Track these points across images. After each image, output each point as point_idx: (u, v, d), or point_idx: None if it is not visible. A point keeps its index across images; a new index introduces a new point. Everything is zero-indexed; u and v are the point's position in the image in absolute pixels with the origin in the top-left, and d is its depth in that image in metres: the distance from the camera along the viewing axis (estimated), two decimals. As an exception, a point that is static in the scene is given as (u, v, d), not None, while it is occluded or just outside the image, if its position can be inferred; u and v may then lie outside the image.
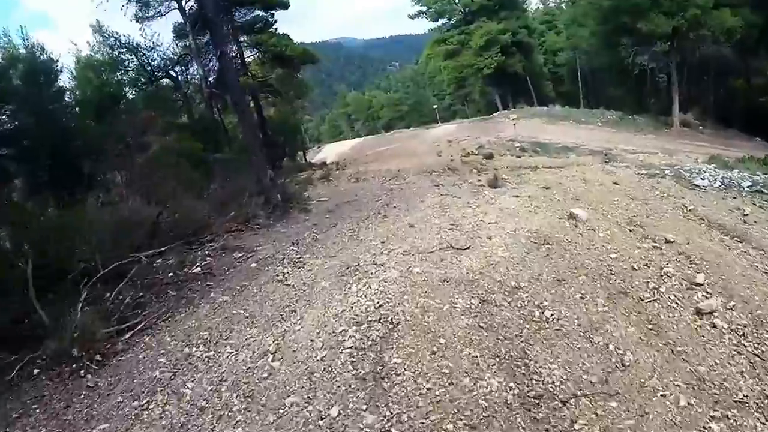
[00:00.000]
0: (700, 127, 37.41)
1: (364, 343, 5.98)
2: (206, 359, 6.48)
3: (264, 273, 9.64)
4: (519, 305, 6.69)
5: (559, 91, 55.52)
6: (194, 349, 6.77)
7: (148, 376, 6.37)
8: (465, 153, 23.83)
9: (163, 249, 12.48)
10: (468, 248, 9.19)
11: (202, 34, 26.79)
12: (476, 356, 5.53)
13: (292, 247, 11.07)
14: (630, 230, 11.03)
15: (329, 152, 40.89)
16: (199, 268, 10.80)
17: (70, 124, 25.72)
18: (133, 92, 27.68)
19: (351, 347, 5.97)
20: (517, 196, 15.12)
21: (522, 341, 5.82)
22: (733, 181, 17.55)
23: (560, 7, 66.22)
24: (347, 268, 8.77)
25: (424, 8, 41.90)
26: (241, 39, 27.21)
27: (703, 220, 12.63)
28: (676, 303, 6.98)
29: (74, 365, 6.94)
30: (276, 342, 6.47)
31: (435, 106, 48.92)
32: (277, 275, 9.31)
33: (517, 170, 20.03)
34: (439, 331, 6.09)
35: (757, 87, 37.39)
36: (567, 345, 5.74)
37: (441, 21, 42.55)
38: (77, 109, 27.11)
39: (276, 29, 27.51)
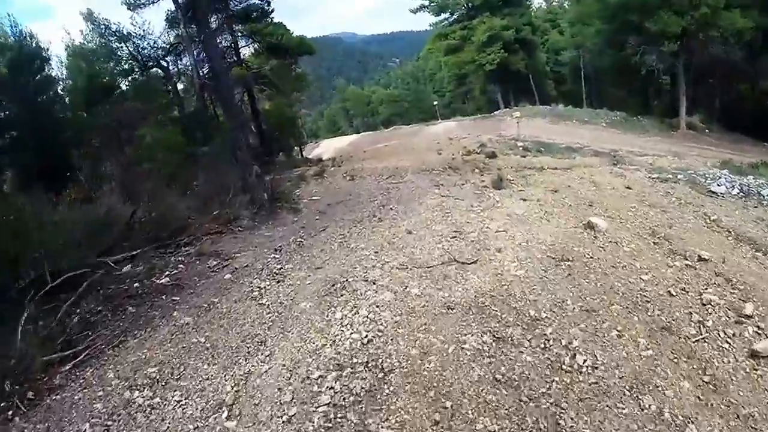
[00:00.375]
0: (706, 131, 36.05)
1: (345, 399, 4.63)
2: (148, 409, 5.12)
3: (238, 287, 8.25)
4: (543, 345, 5.33)
5: (561, 91, 54.10)
6: (137, 393, 5.41)
7: (77, 430, 4.95)
8: (466, 151, 22.41)
9: (134, 253, 11.13)
10: (475, 262, 7.83)
11: (195, 23, 25.30)
12: (494, 430, 4.12)
13: (273, 255, 9.68)
14: (655, 243, 9.70)
15: (327, 148, 39.42)
16: (167, 278, 9.41)
17: (57, 114, 24.39)
18: (126, 83, 26.19)
19: (328, 404, 4.62)
20: (525, 200, 13.75)
21: (552, 403, 4.45)
22: (751, 188, 16.45)
23: (563, 6, 64.98)
24: (333, 286, 7.40)
25: (426, 2, 40.40)
26: (236, 28, 25.70)
27: (730, 232, 11.33)
28: (728, 342, 5.69)
29: (2, 404, 5.56)
30: (236, 389, 5.11)
31: (435, 103, 47.36)
32: (252, 291, 7.94)
33: (521, 171, 18.66)
34: (443, 386, 4.73)
35: (764, 91, 36.04)
36: (610, 409, 4.35)
37: (443, 15, 41.10)
38: (67, 99, 25.85)
39: (272, 18, 26.03)
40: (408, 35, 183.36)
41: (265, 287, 7.96)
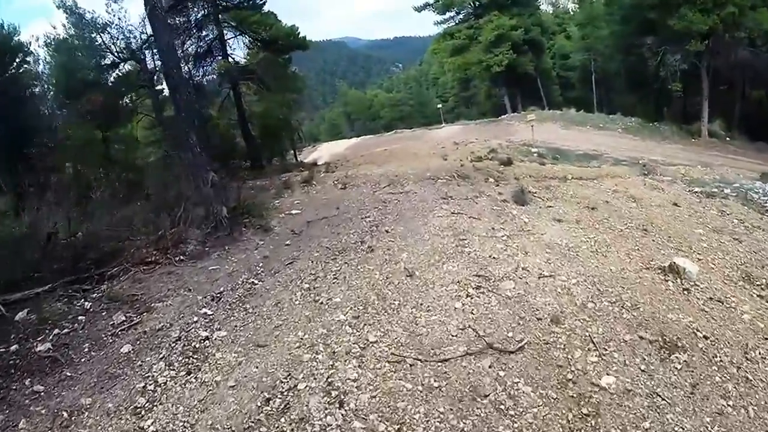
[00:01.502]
0: (727, 138, 32.62)
1: None
2: None
3: (127, 378, 4.82)
4: None
5: (567, 97, 50.55)
6: None
7: None
8: (475, 157, 19.04)
9: (39, 290, 7.78)
10: (521, 349, 4.33)
11: (176, 13, 21.98)
12: None
13: (206, 310, 6.29)
14: (760, 297, 6.35)
15: (324, 152, 35.97)
16: (50, 344, 6.01)
17: (30, 110, 21.18)
18: (104, 77, 22.78)
19: None
20: (560, 221, 10.36)
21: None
22: (807, 205, 13.68)
23: (568, 11, 61.72)
24: (269, 401, 3.92)
25: (431, 0, 36.89)
26: (223, 18, 22.29)
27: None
28: None
29: None
30: None
31: (439, 106, 43.93)
32: (143, 390, 4.47)
33: (543, 181, 15.32)
34: None
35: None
36: None
37: (448, 14, 37.65)
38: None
39: (263, 8, 22.60)
40: (411, 41, 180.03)
41: (162, 386, 4.52)
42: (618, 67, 40.95)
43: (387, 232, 9.60)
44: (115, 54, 21.98)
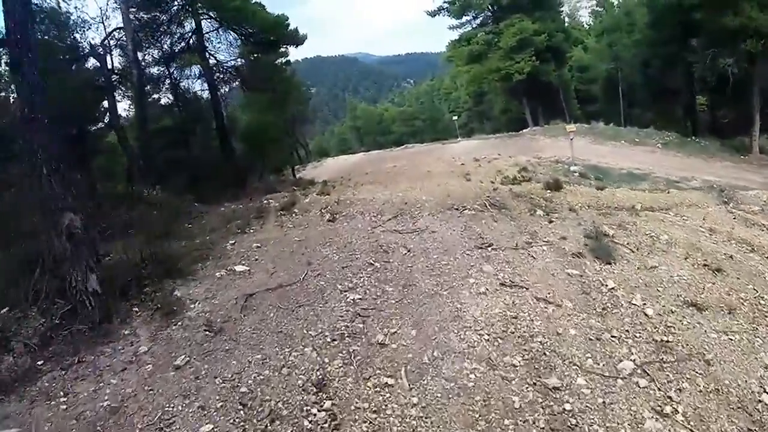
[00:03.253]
0: (781, 155, 27.24)
1: None
2: None
3: None
4: None
5: (587, 111, 45.45)
6: None
7: None
8: (505, 177, 14.20)
9: None
10: None
11: (151, 7, 17.49)
12: None
13: None
14: None
15: (328, 168, 31.24)
16: None
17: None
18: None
19: None
20: (697, 307, 5.47)
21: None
22: None
23: (582, 24, 56.95)
24: None
25: (446, 4, 32.11)
26: (199, 7, 17.68)
27: None
28: None
29: None
30: None
31: (455, 118, 38.99)
32: None
33: (610, 214, 10.55)
34: None
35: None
36: None
37: (465, 18, 32.74)
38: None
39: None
40: (423, 57, 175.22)
41: None
42: (643, 77, 36.21)
43: (381, 344, 4.72)
44: (78, 51, 17.38)
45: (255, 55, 19.39)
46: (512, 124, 40.52)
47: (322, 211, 11.34)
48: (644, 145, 27.81)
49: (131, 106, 19.22)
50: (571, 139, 18.46)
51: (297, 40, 18.55)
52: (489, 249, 7.50)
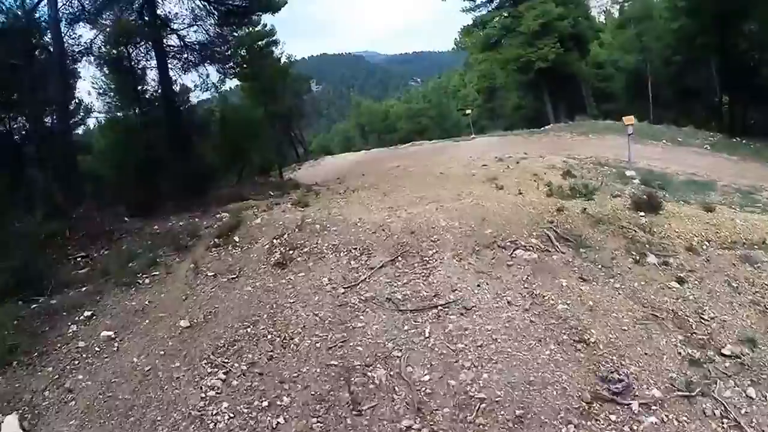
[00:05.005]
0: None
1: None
2: None
3: None
4: None
5: (602, 109, 40.24)
6: None
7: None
8: (547, 184, 9.57)
9: None
10: None
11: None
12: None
13: None
14: None
15: (325, 167, 26.46)
16: None
17: None
18: None
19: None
20: None
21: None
22: None
23: (596, 18, 51.85)
24: None
25: (459, -17, 27.18)
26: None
27: None
28: None
29: None
30: None
31: (468, 112, 33.66)
32: None
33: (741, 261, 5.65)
34: None
35: None
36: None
37: (479, 0, 27.55)
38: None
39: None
40: (430, 56, 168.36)
41: None
42: (671, 71, 31.39)
43: None
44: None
45: (223, 27, 14.63)
46: (526, 122, 35.41)
47: (275, 243, 6.60)
48: (689, 146, 22.86)
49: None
50: (630, 135, 13.64)
51: (272, 5, 13.73)
52: (613, 384, 2.77)
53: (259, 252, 6.30)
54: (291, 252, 6.09)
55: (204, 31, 14.62)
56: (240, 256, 6.35)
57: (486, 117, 48.14)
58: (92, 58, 13.68)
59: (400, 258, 5.57)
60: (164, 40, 13.75)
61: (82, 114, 15.98)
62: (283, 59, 27.87)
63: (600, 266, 5.32)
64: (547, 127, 26.37)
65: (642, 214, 7.01)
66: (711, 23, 25.62)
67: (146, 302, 5.47)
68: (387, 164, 18.35)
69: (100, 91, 14.29)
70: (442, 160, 16.17)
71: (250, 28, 18.99)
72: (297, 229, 6.77)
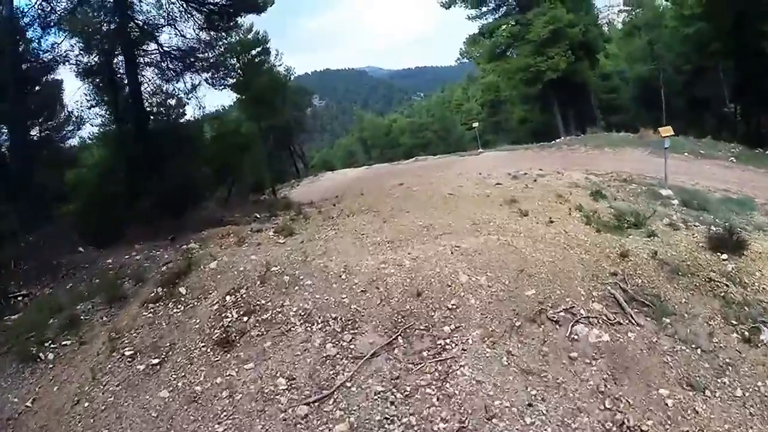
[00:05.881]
0: None
1: None
2: None
3: None
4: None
5: (608, 121, 38.27)
6: None
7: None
8: (578, 207, 7.68)
9: None
10: None
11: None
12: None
13: None
14: None
15: (323, 184, 24.56)
16: None
17: None
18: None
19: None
20: None
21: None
22: None
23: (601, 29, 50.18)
24: None
25: (462, -10, 25.33)
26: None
27: None
28: None
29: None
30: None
31: (476, 125, 31.72)
32: None
33: None
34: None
35: None
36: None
37: (485, 7, 25.55)
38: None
39: None
40: (432, 70, 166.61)
41: None
42: (683, 81, 29.64)
43: None
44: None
45: (208, 32, 12.83)
46: (533, 135, 33.48)
47: (227, 301, 4.68)
48: (712, 159, 20.80)
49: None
50: (666, 148, 11.65)
51: (257, 4, 11.93)
52: None
53: (204, 316, 4.41)
54: (244, 319, 4.20)
55: (184, 36, 12.82)
56: (177, 322, 4.46)
57: (490, 131, 46.21)
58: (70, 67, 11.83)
59: (400, 339, 3.67)
60: (137, 46, 11.94)
61: (71, 127, 14.23)
62: (282, 71, 26.09)
63: (698, 350, 3.41)
64: (558, 140, 24.41)
65: (724, 257, 5.07)
66: (729, 24, 23.90)
67: (29, 402, 3.56)
68: (389, 181, 16.35)
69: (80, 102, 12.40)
70: (449, 178, 14.19)
71: (240, 35, 17.27)
72: (259, 281, 4.84)
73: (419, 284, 4.50)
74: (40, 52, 11.97)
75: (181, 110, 14.01)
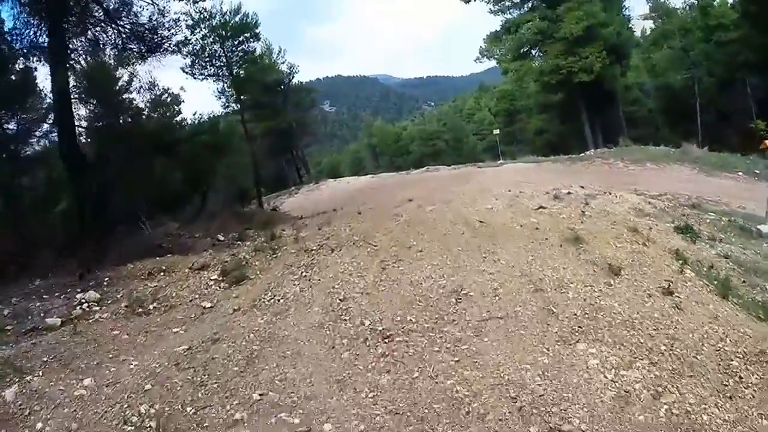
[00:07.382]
0: None
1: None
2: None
3: None
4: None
5: (630, 135, 34.58)
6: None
7: None
8: (720, 281, 4.39)
9: None
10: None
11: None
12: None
13: None
14: None
15: (323, 194, 21.31)
16: None
17: None
18: None
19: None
20: None
21: None
22: None
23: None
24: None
25: (484, -16, 21.96)
26: None
27: None
28: None
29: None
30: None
31: (496, 132, 28.07)
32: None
33: None
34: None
35: None
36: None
37: (508, 2, 21.95)
38: None
39: None
40: (444, 80, 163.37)
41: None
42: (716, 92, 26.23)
43: None
44: None
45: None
46: (549, 147, 29.98)
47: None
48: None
49: None
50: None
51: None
52: None
53: None
54: None
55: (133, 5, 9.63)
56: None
57: (504, 142, 42.71)
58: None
59: None
60: (66, 17, 8.71)
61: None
62: (284, 69, 23.11)
63: None
64: (589, 152, 20.89)
65: None
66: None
67: None
68: (396, 195, 12.88)
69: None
70: (471, 194, 10.70)
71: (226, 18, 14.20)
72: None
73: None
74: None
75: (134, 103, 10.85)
